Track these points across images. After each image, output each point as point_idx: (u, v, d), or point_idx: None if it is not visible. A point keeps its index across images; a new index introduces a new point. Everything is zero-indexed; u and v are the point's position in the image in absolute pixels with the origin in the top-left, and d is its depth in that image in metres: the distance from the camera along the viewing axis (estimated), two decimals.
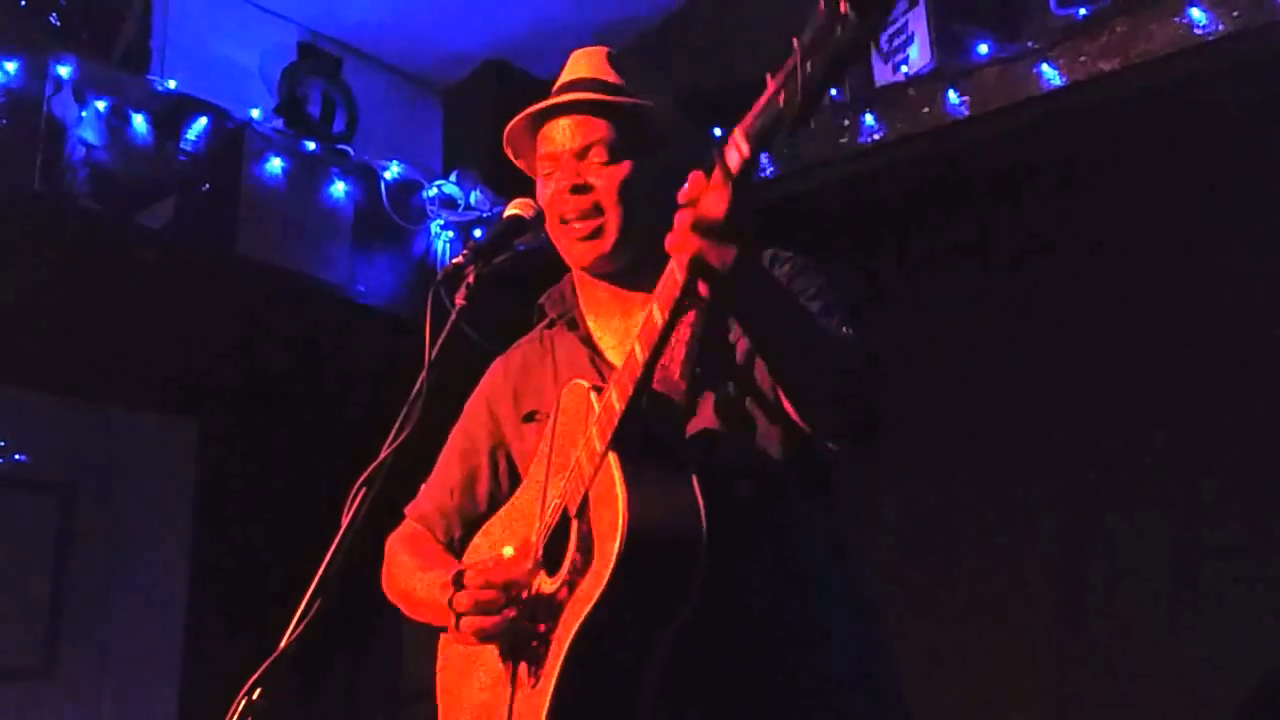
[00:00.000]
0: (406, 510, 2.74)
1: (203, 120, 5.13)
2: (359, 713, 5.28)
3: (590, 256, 2.50)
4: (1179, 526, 4.15)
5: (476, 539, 2.67)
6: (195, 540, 5.45)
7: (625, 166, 2.48)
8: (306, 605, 2.05)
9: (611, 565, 2.10)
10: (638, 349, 2.16)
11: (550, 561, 2.33)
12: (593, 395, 2.30)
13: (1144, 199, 4.31)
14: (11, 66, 4.65)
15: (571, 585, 2.23)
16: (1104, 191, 4.42)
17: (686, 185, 2.01)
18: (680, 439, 2.27)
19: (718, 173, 1.95)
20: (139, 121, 4.95)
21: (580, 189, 2.47)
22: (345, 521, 2.18)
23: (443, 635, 2.59)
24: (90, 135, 4.81)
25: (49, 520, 5.24)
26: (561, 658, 2.17)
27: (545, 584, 2.31)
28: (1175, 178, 4.21)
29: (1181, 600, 4.11)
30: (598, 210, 2.47)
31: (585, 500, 2.24)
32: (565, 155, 2.49)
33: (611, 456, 2.18)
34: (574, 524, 2.26)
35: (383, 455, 2.22)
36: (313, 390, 5.47)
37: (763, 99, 1.88)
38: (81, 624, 5.22)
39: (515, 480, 2.64)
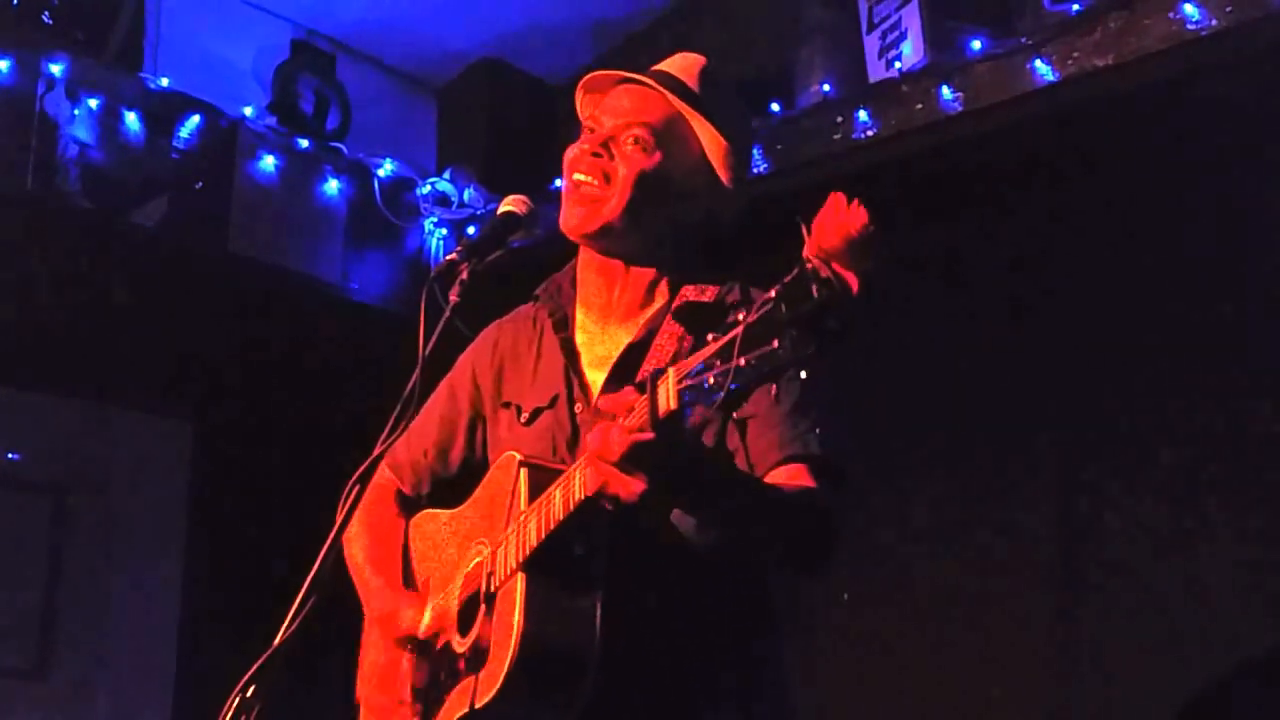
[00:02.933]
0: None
1: (195, 118, 5.12)
2: (354, 710, 5.26)
3: (577, 223, 2.50)
4: (1177, 523, 4.15)
5: (422, 520, 2.72)
6: (189, 539, 5.44)
7: (654, 159, 2.48)
8: (301, 602, 2.05)
9: (495, 688, 2.19)
10: (557, 500, 2.17)
11: (464, 618, 2.39)
12: (523, 490, 2.31)
13: (1138, 194, 4.31)
14: (3, 65, 4.65)
15: (469, 663, 2.31)
16: (1098, 187, 4.42)
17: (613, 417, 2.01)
18: (596, 557, 2.25)
19: (641, 406, 1.95)
20: (131, 119, 4.94)
21: (600, 155, 2.48)
22: (339, 520, 2.18)
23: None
24: (83, 133, 4.81)
25: (42, 520, 5.23)
26: None
27: (455, 641, 2.39)
28: (1169, 173, 4.21)
29: (1181, 600, 4.11)
30: (606, 179, 2.47)
31: (494, 596, 2.30)
32: (604, 125, 2.51)
33: (520, 577, 2.23)
34: (483, 605, 2.33)
35: (376, 453, 2.23)
36: (306, 388, 5.46)
37: (702, 354, 1.88)
38: (75, 624, 5.20)
39: (486, 455, 2.68)
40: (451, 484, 2.75)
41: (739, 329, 1.82)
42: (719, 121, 2.53)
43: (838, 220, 1.80)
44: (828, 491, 2.30)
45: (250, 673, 1.99)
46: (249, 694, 1.98)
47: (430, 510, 2.71)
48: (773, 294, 1.80)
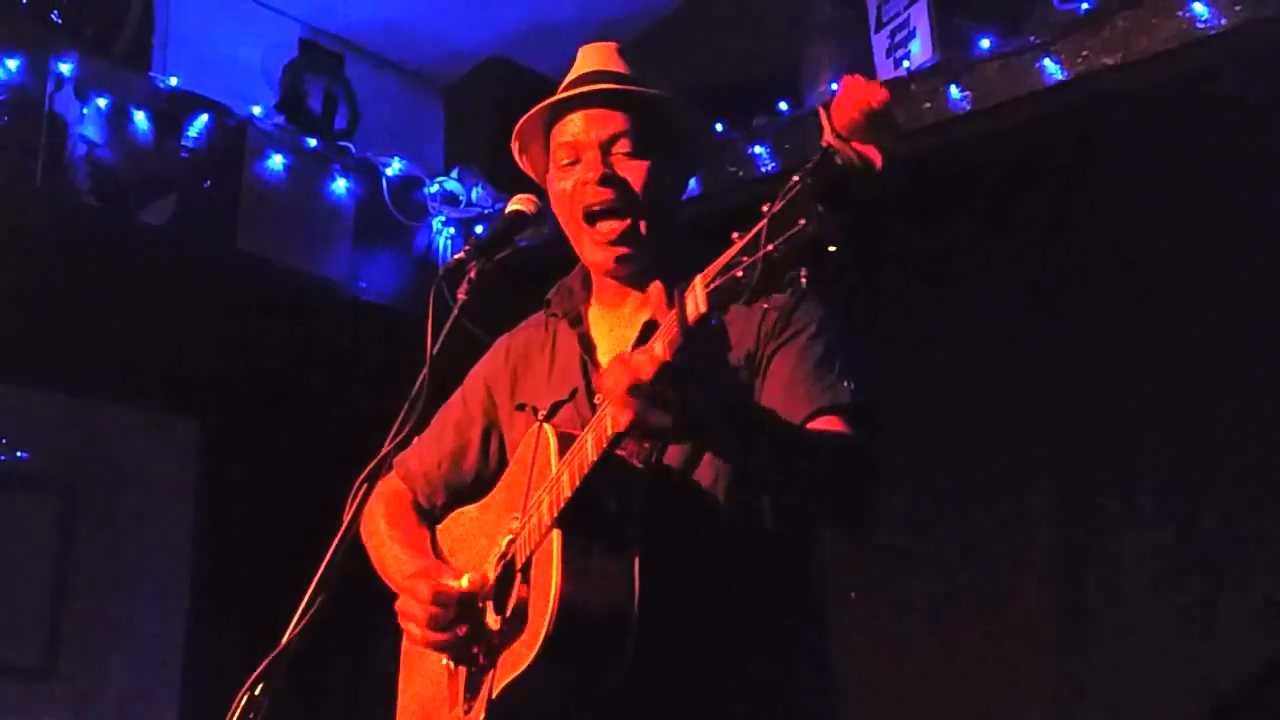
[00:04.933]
0: (395, 462, 2.72)
1: (204, 117, 5.12)
2: (361, 709, 5.28)
3: (615, 261, 2.48)
4: (1180, 528, 4.14)
5: (450, 522, 2.70)
6: (196, 538, 5.45)
7: (649, 161, 2.46)
8: (308, 602, 2.05)
9: (536, 649, 2.16)
10: (589, 445, 2.14)
11: (499, 593, 2.36)
12: (552, 449, 2.29)
13: (1147, 193, 4.30)
14: (13, 64, 4.65)
15: (507, 635, 2.29)
16: (1106, 186, 4.41)
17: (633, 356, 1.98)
18: (631, 513, 2.23)
19: (671, 318, 1.93)
20: (140, 118, 4.94)
21: (609, 180, 2.44)
22: (346, 519, 2.18)
23: None
24: (92, 132, 4.81)
25: (50, 519, 5.23)
26: (487, 706, 2.28)
27: (490, 618, 2.36)
28: (1178, 172, 4.20)
29: (1182, 604, 4.10)
30: (628, 205, 2.44)
31: (529, 561, 2.28)
32: (589, 145, 2.46)
33: (555, 535, 2.20)
34: (517, 576, 2.30)
35: (384, 452, 2.23)
36: (314, 387, 5.47)
37: (727, 255, 1.86)
38: (83, 623, 5.21)
39: (503, 462, 2.65)
40: (465, 494, 2.72)
41: (764, 220, 1.80)
42: (662, 88, 2.52)
43: (856, 97, 1.80)
44: (863, 438, 2.27)
45: (258, 672, 1.99)
46: (257, 693, 1.98)
47: (457, 510, 2.69)
48: (796, 179, 1.78)
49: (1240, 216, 4.14)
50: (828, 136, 1.79)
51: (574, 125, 2.49)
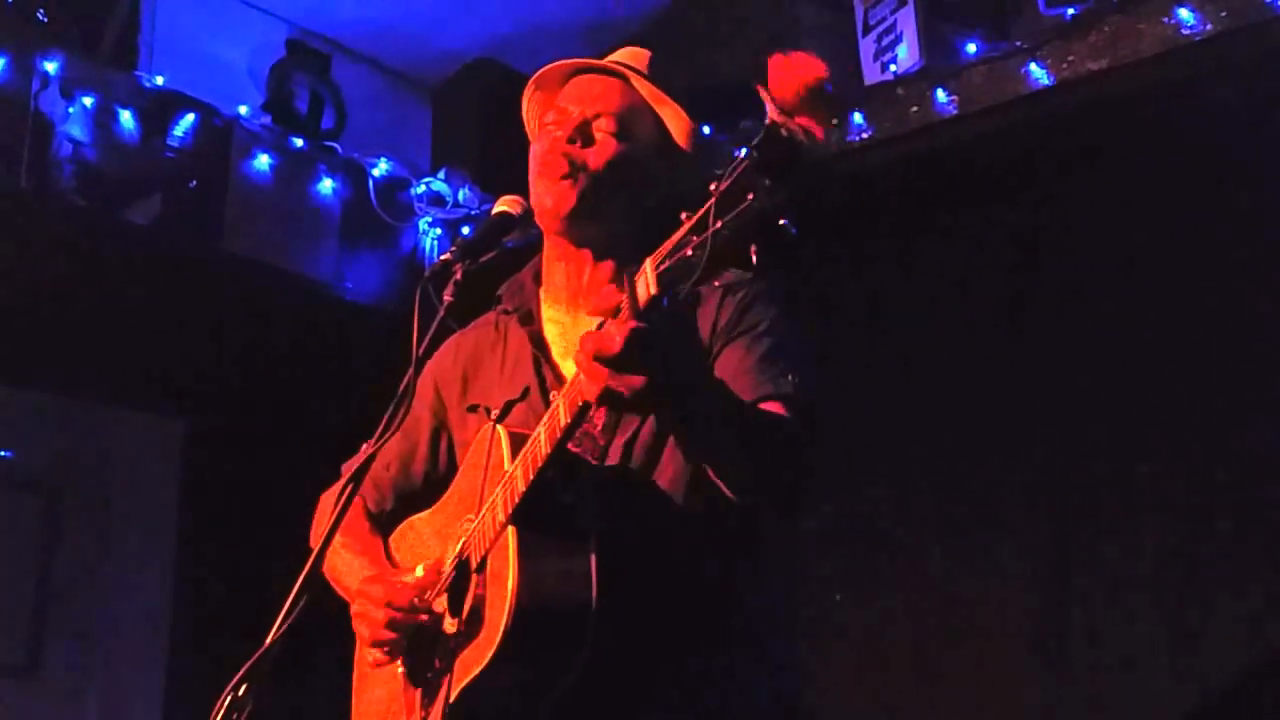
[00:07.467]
0: (344, 468, 2.70)
1: (190, 116, 5.11)
2: (344, 710, 5.26)
3: (554, 204, 2.45)
4: (1166, 541, 4.15)
5: (401, 530, 2.68)
6: (181, 537, 5.44)
7: (626, 145, 2.48)
8: (293, 601, 2.05)
9: (494, 647, 2.15)
10: (543, 438, 2.15)
11: (454, 597, 2.35)
12: (505, 447, 2.29)
13: (1132, 197, 4.31)
14: None
15: (464, 637, 2.27)
16: (1093, 190, 4.43)
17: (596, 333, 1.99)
18: (586, 508, 2.24)
19: (625, 303, 1.95)
20: (126, 118, 4.93)
21: (575, 141, 2.46)
22: (334, 516, 2.17)
23: None
24: (77, 132, 4.80)
25: (35, 518, 5.23)
26: (444, 711, 2.25)
27: (446, 621, 2.35)
28: (1163, 178, 4.22)
29: (1170, 618, 4.11)
30: (583, 167, 2.45)
31: (484, 560, 2.27)
32: (576, 113, 2.49)
33: (510, 531, 2.20)
34: (473, 576, 2.29)
35: (370, 451, 2.22)
36: (299, 387, 5.46)
37: (676, 235, 1.87)
38: (67, 621, 5.21)
39: (452, 464, 2.64)
40: (415, 498, 2.71)
41: (712, 199, 1.82)
42: (680, 102, 2.54)
43: (794, 73, 1.82)
44: (801, 424, 2.27)
45: (242, 671, 1.98)
46: (241, 693, 1.98)
47: (408, 519, 2.67)
48: (742, 156, 1.80)
49: (1225, 219, 4.16)
50: (771, 113, 1.81)
51: (569, 95, 2.54)
